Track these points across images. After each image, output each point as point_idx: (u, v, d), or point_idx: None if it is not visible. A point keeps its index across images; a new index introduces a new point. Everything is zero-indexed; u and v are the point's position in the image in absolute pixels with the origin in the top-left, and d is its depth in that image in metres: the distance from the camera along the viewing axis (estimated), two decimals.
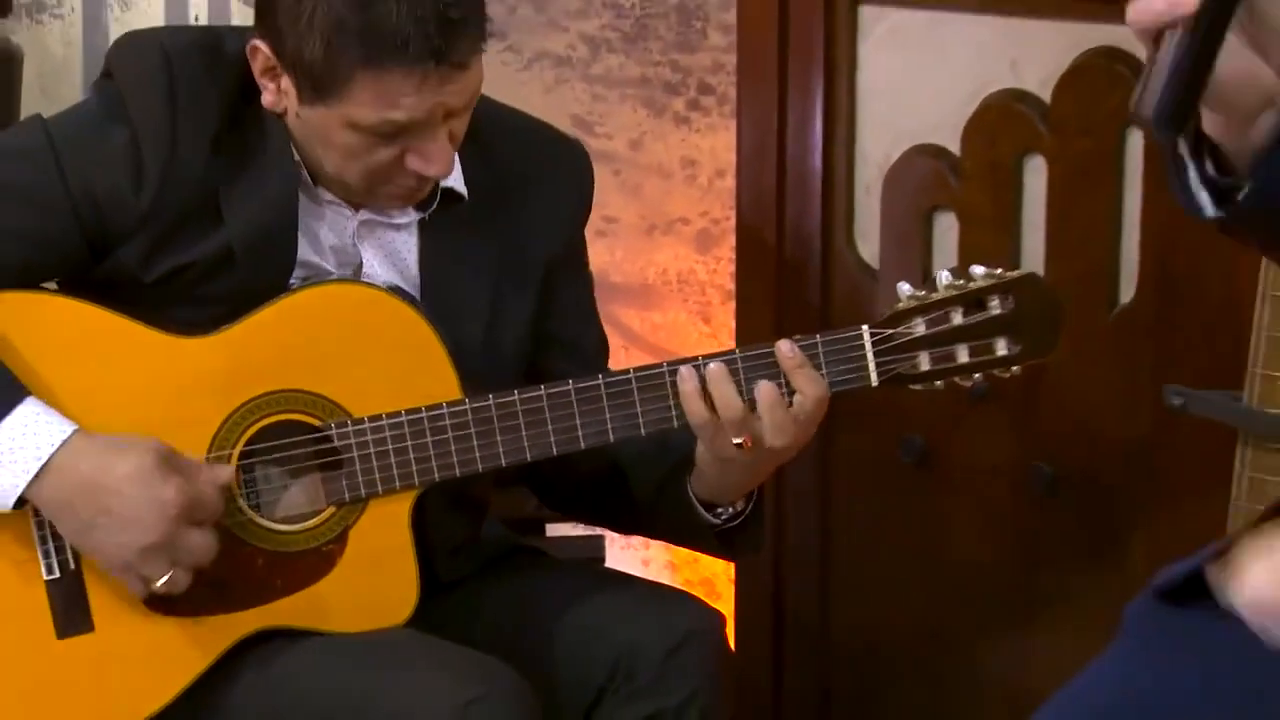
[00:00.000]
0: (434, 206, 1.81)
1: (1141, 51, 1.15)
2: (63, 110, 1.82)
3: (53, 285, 1.78)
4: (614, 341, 1.98)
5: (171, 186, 1.72)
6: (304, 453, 1.74)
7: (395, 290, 1.78)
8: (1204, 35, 1.13)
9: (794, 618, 2.42)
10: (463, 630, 1.79)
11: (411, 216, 1.81)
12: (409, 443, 1.73)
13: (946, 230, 2.23)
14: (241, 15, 2.73)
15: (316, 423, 1.74)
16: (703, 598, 1.89)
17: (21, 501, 1.68)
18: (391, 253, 1.82)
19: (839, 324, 2.17)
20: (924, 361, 1.72)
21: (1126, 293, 2.12)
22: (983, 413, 2.18)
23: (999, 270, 1.73)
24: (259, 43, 1.70)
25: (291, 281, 1.77)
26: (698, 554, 2.14)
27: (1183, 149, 1.22)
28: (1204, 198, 1.21)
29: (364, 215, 1.80)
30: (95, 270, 1.75)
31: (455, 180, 1.80)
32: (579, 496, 1.94)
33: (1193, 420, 1.97)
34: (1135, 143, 2.09)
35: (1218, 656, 1.28)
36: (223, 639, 1.74)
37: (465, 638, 1.77)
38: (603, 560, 2.27)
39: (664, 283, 2.61)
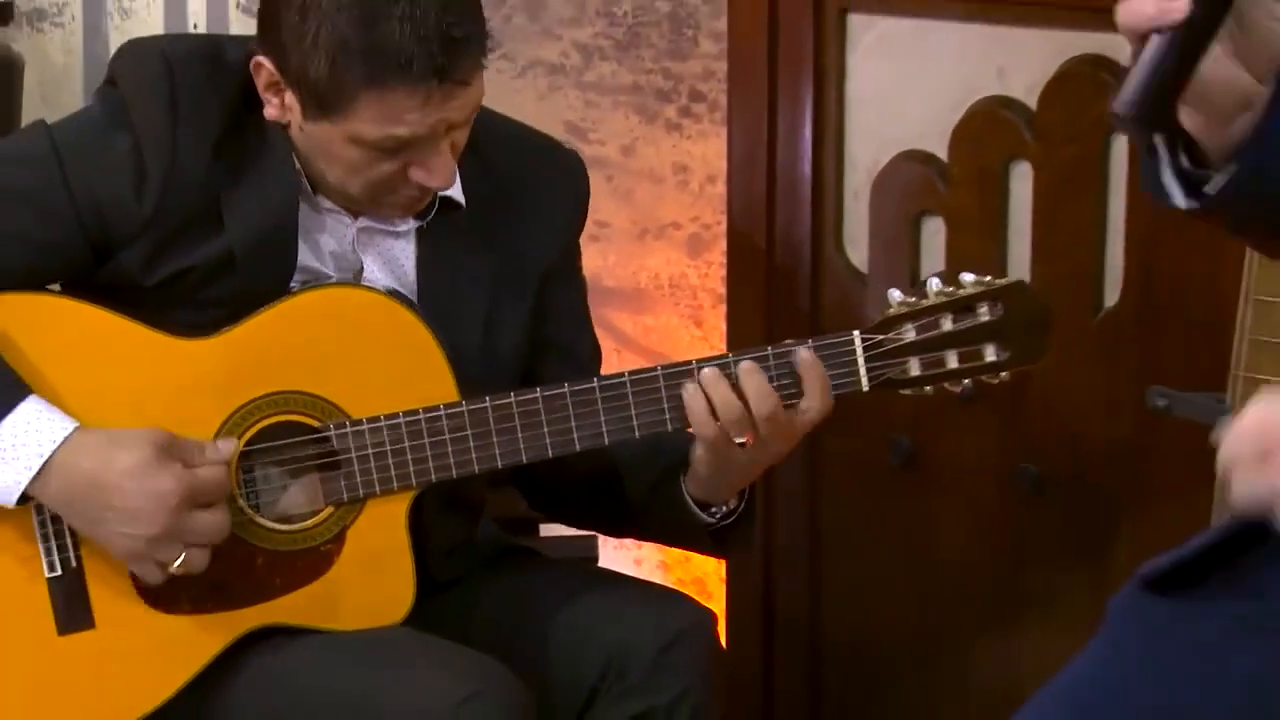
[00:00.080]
0: (432, 214, 1.81)
1: (1126, 59, 1.16)
2: (66, 116, 1.82)
3: (56, 287, 1.78)
4: (607, 345, 1.98)
5: (173, 192, 1.72)
6: (303, 453, 1.74)
7: (394, 294, 1.78)
8: (1188, 41, 1.14)
9: (784, 616, 2.42)
10: (458, 629, 1.79)
11: (410, 224, 1.82)
12: (406, 444, 1.73)
13: (934, 235, 2.24)
14: (240, 24, 2.73)
15: (315, 424, 1.74)
16: (694, 597, 1.89)
17: (25, 498, 1.68)
18: (390, 259, 1.82)
19: (829, 328, 2.18)
20: (914, 367, 1.73)
21: (1111, 296, 2.12)
22: (970, 414, 2.18)
23: (988, 278, 1.74)
24: (263, 59, 1.70)
25: (291, 286, 1.77)
26: (689, 553, 2.15)
27: (1158, 141, 1.23)
28: (1174, 187, 1.24)
29: (363, 222, 1.80)
30: (98, 273, 1.76)
31: (454, 189, 1.80)
32: (573, 499, 1.94)
33: (1176, 422, 1.97)
34: (1120, 149, 2.09)
35: (1201, 646, 1.29)
36: (222, 636, 1.74)
37: (460, 637, 1.77)
38: (596, 560, 2.27)
39: (656, 287, 2.62)
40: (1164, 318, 2.07)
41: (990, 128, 2.17)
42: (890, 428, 2.26)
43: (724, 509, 1.81)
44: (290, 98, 1.70)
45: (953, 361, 1.72)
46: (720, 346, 2.48)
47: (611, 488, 1.86)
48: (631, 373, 1.73)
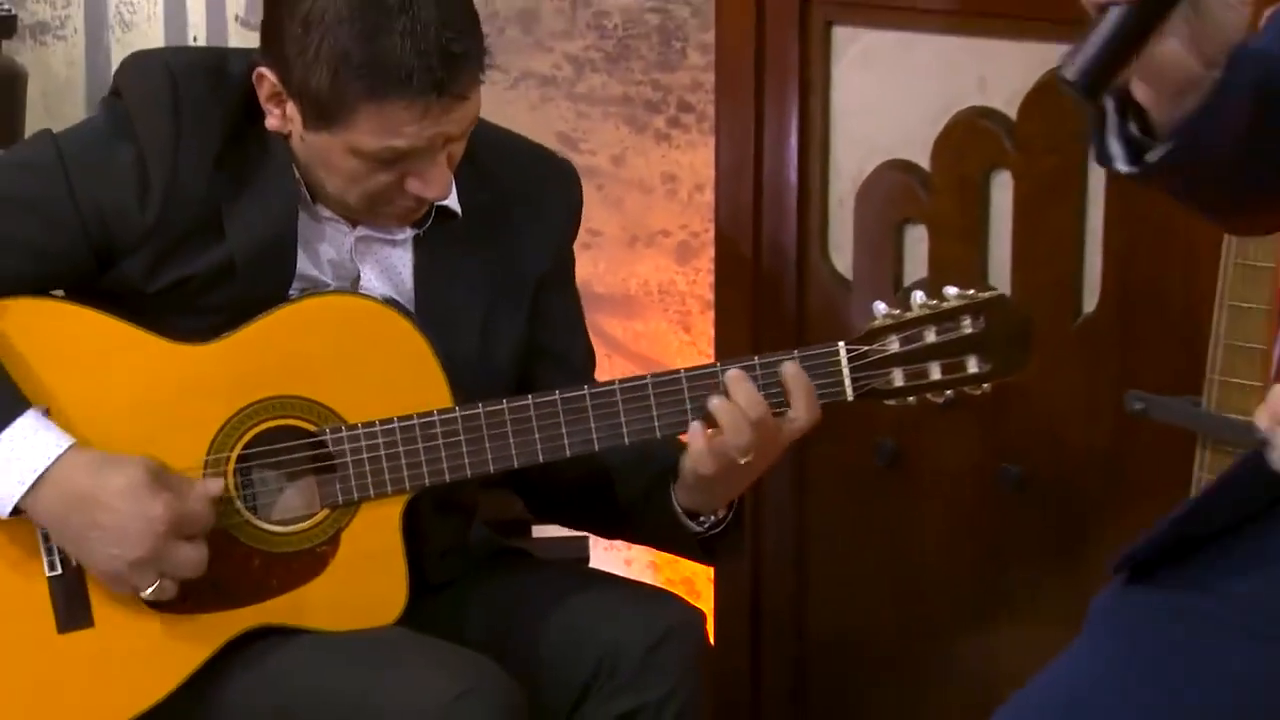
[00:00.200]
0: (429, 223, 1.81)
1: None
2: (71, 126, 1.82)
3: (59, 292, 1.78)
4: (598, 350, 1.98)
5: (175, 202, 1.72)
6: (300, 457, 1.74)
7: (391, 302, 1.78)
8: (1143, 18, 1.16)
9: (771, 615, 2.41)
10: (451, 630, 1.79)
11: (407, 233, 1.81)
12: (401, 449, 1.72)
13: (917, 242, 2.23)
14: (239, 36, 2.73)
15: (312, 428, 1.74)
16: (683, 596, 1.89)
17: (16, 509, 1.67)
18: (388, 267, 1.82)
19: (814, 333, 2.18)
20: (898, 378, 1.72)
21: (1090, 303, 2.12)
22: (953, 418, 2.18)
23: (971, 291, 1.73)
24: (265, 70, 1.70)
25: (290, 293, 1.77)
26: None
27: (1109, 107, 1.23)
28: (1119, 152, 1.25)
29: (361, 231, 1.80)
30: (100, 280, 1.75)
31: (450, 198, 1.80)
32: (566, 502, 1.93)
33: (1153, 425, 1.97)
34: None
35: (1180, 645, 1.29)
36: (218, 636, 1.74)
37: (454, 637, 1.77)
38: (587, 561, 2.27)
39: (645, 293, 2.61)
40: (1141, 323, 2.07)
41: (971, 138, 2.16)
42: (875, 430, 2.26)
43: (713, 518, 1.80)
44: (291, 108, 1.70)
45: (936, 373, 1.72)
46: (709, 351, 2.47)
47: (603, 492, 1.86)
48: (621, 381, 1.73)
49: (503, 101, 2.54)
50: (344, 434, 1.73)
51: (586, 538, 2.27)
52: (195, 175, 1.72)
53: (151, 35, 2.76)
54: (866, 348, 1.72)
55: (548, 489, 1.90)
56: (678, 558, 2.47)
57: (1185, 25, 1.18)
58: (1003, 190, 2.16)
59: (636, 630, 1.77)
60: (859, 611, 2.34)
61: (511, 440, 1.72)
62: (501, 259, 1.83)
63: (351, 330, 1.74)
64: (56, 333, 1.73)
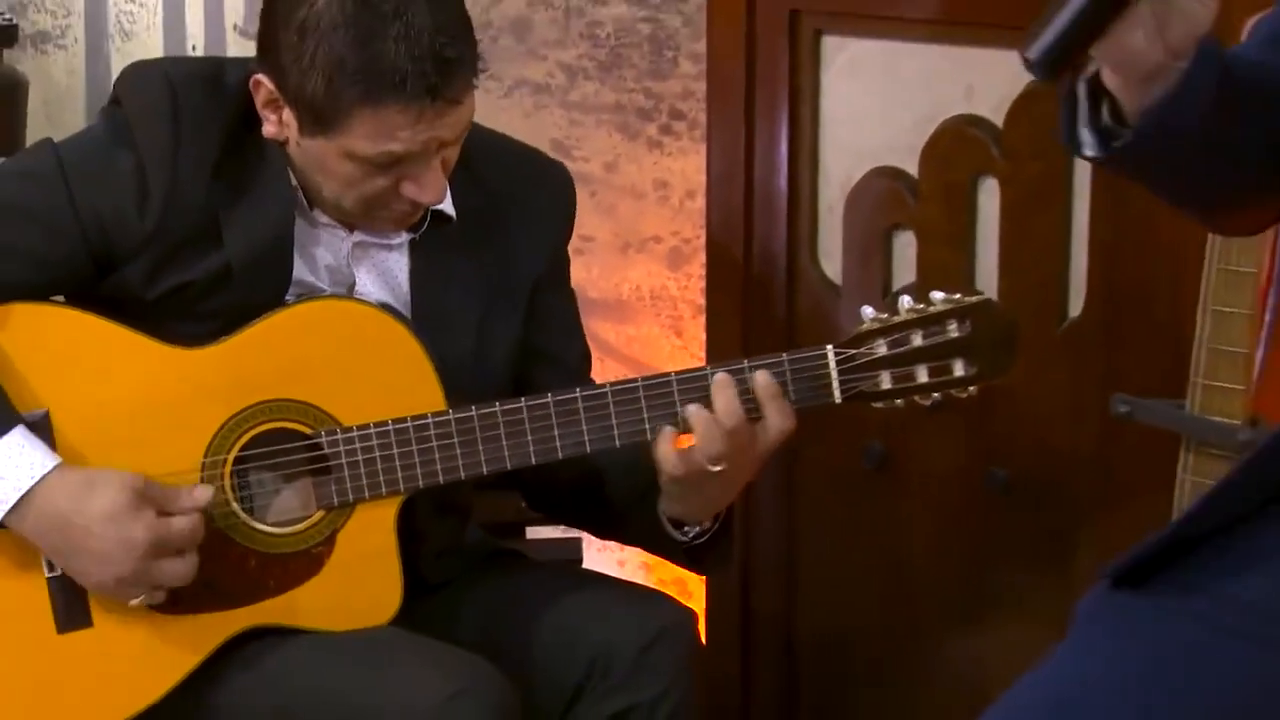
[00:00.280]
0: (424, 227, 1.80)
1: None
2: (72, 135, 1.82)
3: (59, 298, 1.78)
4: (592, 354, 1.97)
5: (174, 210, 1.72)
6: (296, 459, 1.74)
7: (385, 307, 1.77)
8: (1107, 2, 1.15)
9: (762, 615, 2.41)
10: (446, 630, 1.78)
11: (403, 237, 1.81)
12: (395, 451, 1.72)
13: (905, 248, 2.23)
14: (237, 45, 2.72)
15: (308, 431, 1.73)
16: (675, 597, 1.88)
17: (1, 525, 1.67)
18: (385, 272, 1.81)
19: (804, 337, 2.17)
20: (885, 380, 1.72)
21: (1075, 307, 2.12)
22: (940, 420, 2.18)
23: (957, 295, 1.73)
24: (262, 77, 1.70)
25: (286, 299, 1.76)
26: None
27: (1081, 92, 1.24)
28: (1088, 138, 1.25)
29: (358, 237, 1.79)
30: (100, 286, 1.75)
31: (445, 203, 1.80)
32: (562, 501, 1.93)
33: (1138, 427, 1.97)
34: (1084, 166, 2.09)
35: (1167, 641, 1.28)
36: (215, 636, 1.73)
37: (448, 638, 1.76)
38: (580, 562, 2.26)
39: (638, 298, 2.61)
40: (1126, 328, 2.07)
41: (959, 145, 2.16)
42: (864, 433, 2.25)
43: (697, 529, 1.79)
44: (288, 115, 1.70)
45: (923, 376, 1.72)
46: (700, 355, 2.47)
47: (597, 492, 1.86)
48: (613, 384, 1.72)
49: (497, 109, 2.54)
50: (339, 436, 1.72)
51: (580, 539, 2.27)
52: (194, 183, 1.72)
53: (151, 45, 2.75)
54: (854, 351, 1.71)
55: (544, 488, 1.90)
56: None
57: (1152, 16, 1.18)
58: (989, 196, 2.16)
59: (629, 630, 1.77)
60: (848, 612, 2.34)
61: (504, 442, 1.72)
62: (496, 262, 1.83)
63: (346, 334, 1.73)
64: (56, 338, 1.72)
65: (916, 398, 1.72)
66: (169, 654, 1.72)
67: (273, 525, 1.74)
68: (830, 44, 2.27)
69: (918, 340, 1.71)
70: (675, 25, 2.52)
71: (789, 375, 1.71)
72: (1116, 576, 1.33)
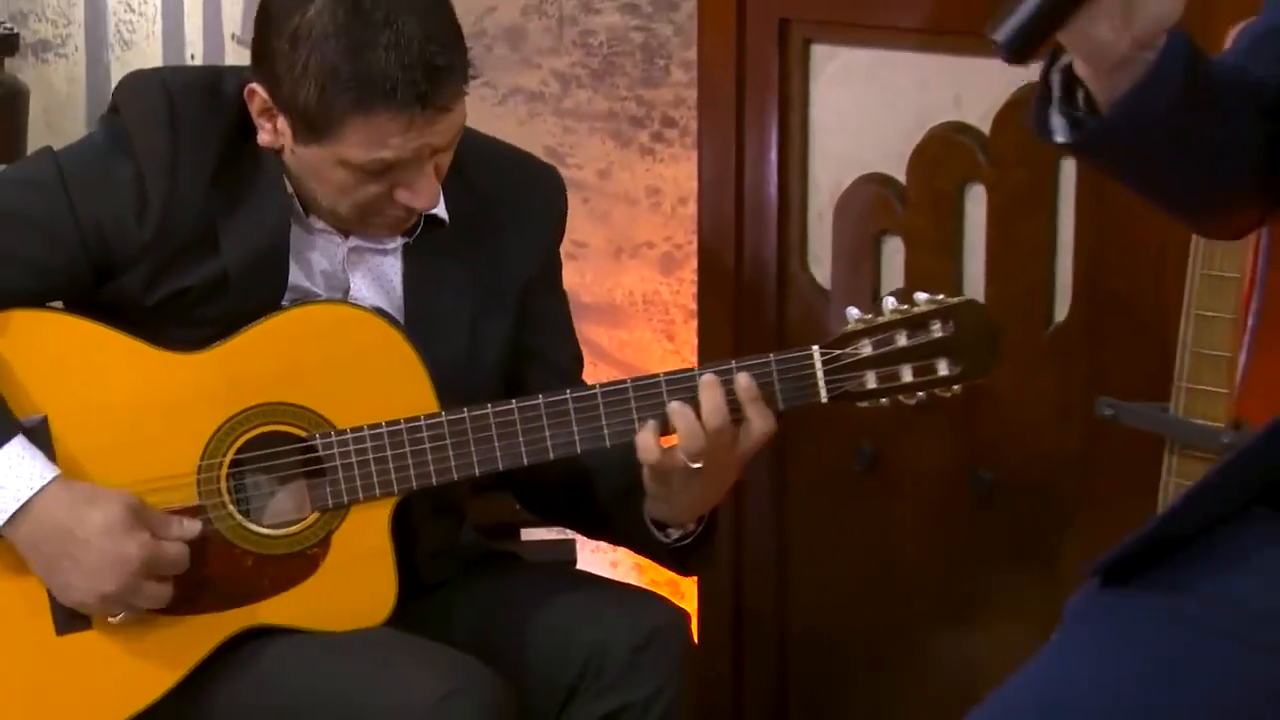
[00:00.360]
0: (418, 232, 1.80)
1: None
2: (72, 144, 1.81)
3: (58, 304, 1.77)
4: (584, 358, 1.96)
5: (173, 218, 1.71)
6: (291, 461, 1.73)
7: (379, 311, 1.77)
8: None
9: (753, 615, 2.40)
10: (441, 631, 1.77)
11: (397, 241, 1.81)
12: (389, 453, 1.71)
13: (894, 254, 2.23)
14: (235, 54, 2.72)
15: (302, 433, 1.73)
16: (668, 597, 1.87)
17: None
18: (379, 276, 1.81)
19: (794, 342, 2.16)
20: (870, 380, 1.71)
21: (1061, 311, 2.11)
22: (928, 423, 2.18)
23: (941, 296, 1.73)
24: (256, 86, 1.69)
25: (282, 304, 1.76)
26: None
27: (1054, 81, 1.24)
28: (1058, 125, 1.25)
29: (353, 242, 1.79)
30: (100, 293, 1.74)
31: (438, 207, 1.79)
32: (552, 501, 1.92)
33: (1123, 430, 1.96)
34: (1069, 173, 2.09)
35: (1154, 642, 1.28)
36: (212, 637, 1.73)
37: (443, 639, 1.75)
38: (574, 563, 2.25)
39: (630, 303, 2.60)
40: (1111, 332, 2.06)
41: (946, 152, 2.16)
42: (853, 435, 2.25)
43: (681, 531, 1.79)
44: (282, 123, 1.69)
45: (907, 375, 1.71)
46: (692, 359, 2.46)
47: (586, 492, 1.85)
48: (603, 385, 1.72)
49: (491, 117, 2.54)
50: (333, 439, 1.72)
51: (574, 540, 2.26)
52: (192, 191, 1.72)
53: (150, 53, 2.75)
54: (839, 351, 1.71)
55: (535, 487, 1.89)
56: None
57: (1119, 6, 1.18)
58: (976, 203, 2.16)
59: (623, 631, 1.76)
60: (838, 612, 2.34)
61: (496, 443, 1.71)
62: (489, 264, 1.83)
63: (340, 338, 1.73)
64: (54, 344, 1.72)
65: (901, 397, 1.72)
66: (166, 655, 1.72)
67: (268, 527, 1.74)
68: (819, 53, 2.26)
69: (902, 340, 1.71)
70: (667, 34, 2.52)
71: (775, 376, 1.70)
72: (1103, 574, 1.33)
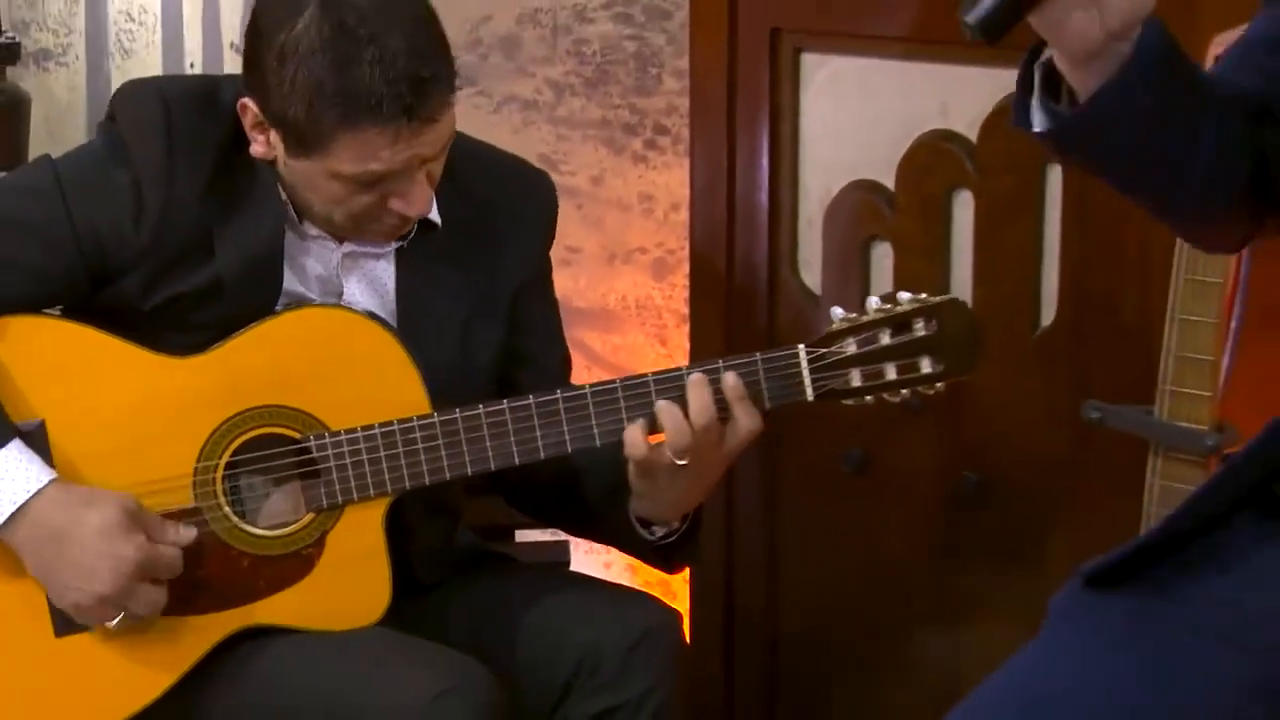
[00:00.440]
0: (411, 235, 1.79)
1: None
2: (69, 151, 1.81)
3: (54, 310, 1.77)
4: (578, 362, 1.96)
5: (168, 225, 1.71)
6: (285, 463, 1.73)
7: (371, 314, 1.76)
8: None
9: (744, 615, 2.40)
10: (436, 631, 1.77)
11: (391, 246, 1.80)
12: (382, 453, 1.71)
13: (882, 259, 2.23)
14: (234, 63, 2.71)
15: (296, 435, 1.72)
16: (660, 598, 1.87)
17: None
18: (373, 280, 1.80)
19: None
20: (855, 378, 1.71)
21: (1047, 316, 2.11)
22: (917, 426, 2.18)
23: (923, 295, 1.72)
24: (248, 100, 1.69)
25: (276, 309, 1.75)
26: None
27: (1037, 74, 1.24)
28: (1039, 118, 1.24)
29: (348, 247, 1.78)
30: (97, 298, 1.74)
31: (431, 211, 1.78)
32: (543, 500, 1.91)
33: (1108, 433, 1.96)
34: (1055, 179, 2.09)
35: (1138, 640, 1.27)
36: (209, 637, 1.72)
37: (438, 639, 1.74)
38: (568, 564, 2.25)
39: (623, 308, 2.60)
40: (1097, 336, 2.06)
41: (934, 159, 2.16)
42: (843, 439, 2.25)
43: (666, 529, 1.78)
44: (274, 136, 1.69)
45: (891, 373, 1.71)
46: (684, 363, 2.45)
47: (573, 491, 1.84)
48: (592, 385, 1.71)
49: (486, 125, 2.53)
50: (327, 440, 1.71)
51: (567, 542, 2.26)
52: (187, 199, 1.71)
53: (150, 62, 2.74)
54: (825, 350, 1.70)
55: (524, 487, 1.88)
56: None
57: None
58: (964, 209, 2.16)
59: (616, 631, 1.76)
60: (828, 612, 2.33)
61: (488, 444, 1.71)
62: (482, 269, 1.82)
63: (333, 341, 1.72)
64: (51, 349, 1.71)
65: (886, 395, 1.71)
66: (164, 656, 1.71)
67: (264, 528, 1.73)
68: (809, 62, 2.26)
69: (886, 339, 1.70)
70: (660, 43, 2.52)
71: (762, 374, 1.70)
72: (1091, 577, 1.32)
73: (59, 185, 1.72)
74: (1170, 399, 1.85)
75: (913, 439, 2.20)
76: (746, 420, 1.69)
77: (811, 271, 2.30)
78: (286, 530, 1.73)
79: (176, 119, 1.71)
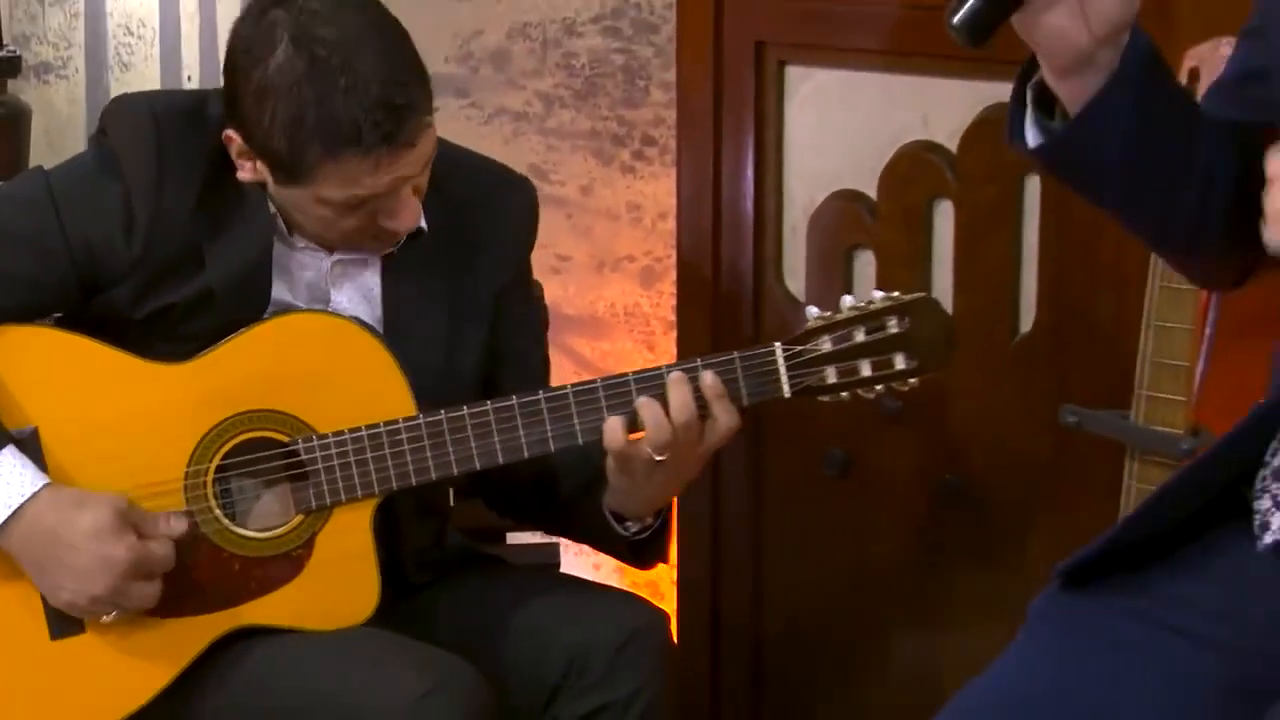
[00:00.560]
0: (400, 243, 1.78)
1: None
2: (61, 163, 1.80)
3: (48, 320, 1.76)
4: (567, 368, 1.95)
5: (159, 236, 1.70)
6: (274, 466, 1.71)
7: (357, 320, 1.75)
8: None
9: (730, 616, 2.39)
10: (426, 632, 1.75)
11: (379, 253, 1.78)
12: (369, 455, 1.69)
13: (865, 266, 2.22)
14: None
15: (285, 439, 1.71)
16: (648, 599, 1.86)
17: None
18: (361, 287, 1.79)
19: None
20: (831, 375, 1.70)
21: (1026, 322, 2.11)
22: (898, 429, 2.17)
23: (895, 293, 1.71)
24: (232, 132, 1.68)
25: (264, 318, 1.74)
26: None
27: (1029, 93, 1.24)
28: (1031, 135, 1.24)
29: (337, 256, 1.77)
30: (89, 308, 1.73)
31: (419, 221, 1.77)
32: (522, 501, 1.90)
33: (1086, 436, 1.96)
34: (1033, 189, 2.09)
35: (1113, 640, 1.26)
36: (201, 638, 1.70)
37: (429, 639, 1.73)
38: (558, 566, 2.23)
39: (612, 315, 2.59)
40: (1074, 342, 2.06)
41: (915, 169, 2.15)
42: (825, 441, 2.24)
43: (640, 524, 1.77)
44: (260, 165, 1.69)
45: (866, 369, 1.70)
46: None
47: (549, 489, 1.83)
48: (574, 385, 1.70)
49: (477, 136, 2.52)
50: (315, 443, 1.70)
51: (558, 544, 2.24)
52: (177, 212, 1.70)
53: (148, 75, 2.73)
54: (801, 348, 1.69)
55: (505, 487, 1.87)
56: None
57: (1078, 3, 1.16)
58: (945, 218, 2.15)
59: (605, 631, 1.75)
60: (812, 613, 2.32)
61: (473, 444, 1.69)
62: (465, 273, 1.81)
63: (320, 346, 1.71)
64: (44, 358, 1.71)
65: (861, 391, 1.70)
66: (157, 658, 1.70)
67: (254, 530, 1.72)
68: (794, 74, 2.26)
69: (860, 336, 1.69)
70: (647, 56, 2.51)
71: (740, 372, 1.69)
72: (1066, 577, 1.31)
73: (51, 197, 1.71)
74: (1146, 404, 1.85)
75: (895, 442, 2.19)
76: (725, 418, 1.68)
77: (796, 279, 2.29)
78: (276, 532, 1.72)
79: (166, 133, 1.71)
